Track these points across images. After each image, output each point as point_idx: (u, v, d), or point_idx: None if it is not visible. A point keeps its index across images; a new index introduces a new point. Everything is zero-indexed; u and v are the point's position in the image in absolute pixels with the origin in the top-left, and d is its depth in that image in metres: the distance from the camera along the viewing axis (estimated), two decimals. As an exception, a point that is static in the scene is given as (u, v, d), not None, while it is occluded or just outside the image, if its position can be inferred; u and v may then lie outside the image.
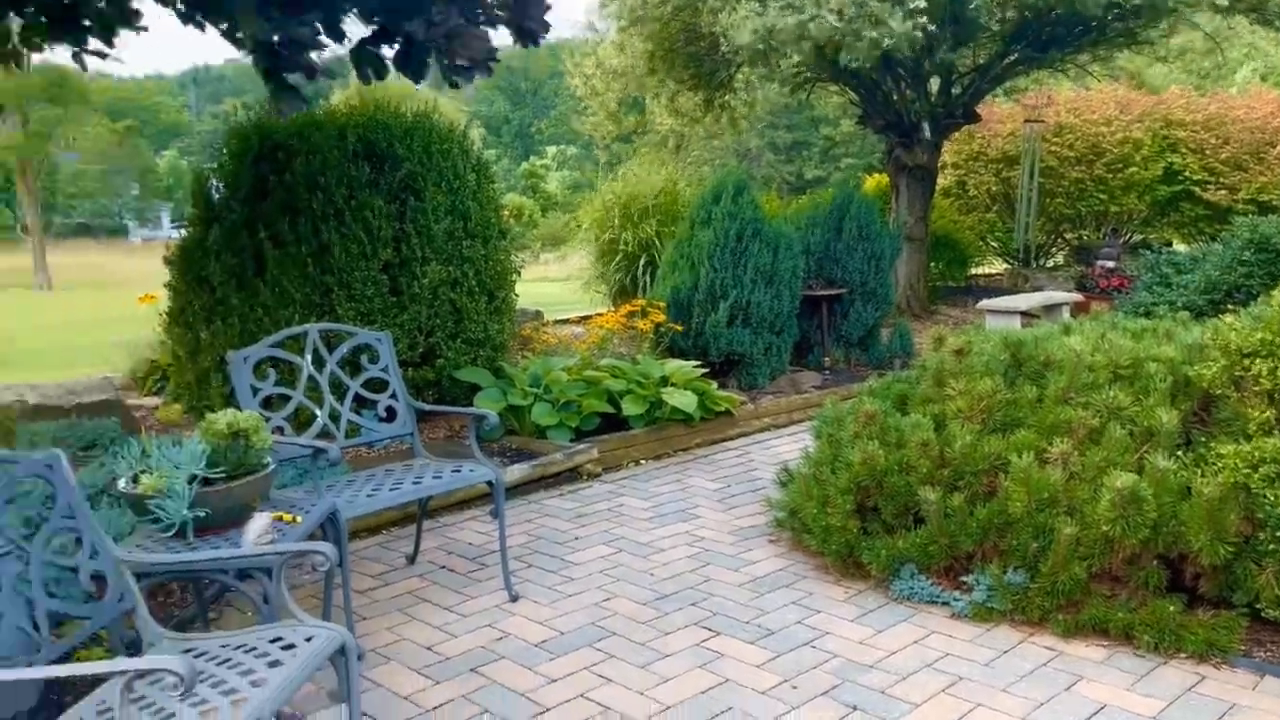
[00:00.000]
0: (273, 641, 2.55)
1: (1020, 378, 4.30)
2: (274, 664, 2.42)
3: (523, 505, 5.27)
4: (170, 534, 3.03)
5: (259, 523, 3.06)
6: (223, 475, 3.12)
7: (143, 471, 3.12)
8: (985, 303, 9.91)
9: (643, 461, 6.10)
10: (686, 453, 6.31)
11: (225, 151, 6.14)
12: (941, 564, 3.96)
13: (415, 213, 5.97)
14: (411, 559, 4.48)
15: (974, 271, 14.76)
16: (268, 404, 3.93)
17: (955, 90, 11.77)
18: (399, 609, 3.99)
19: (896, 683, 3.30)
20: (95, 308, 16.86)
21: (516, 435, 6.16)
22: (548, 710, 3.17)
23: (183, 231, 6.29)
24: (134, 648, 2.69)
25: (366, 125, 6.10)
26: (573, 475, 5.73)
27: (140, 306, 8.52)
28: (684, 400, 6.23)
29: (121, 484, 3.12)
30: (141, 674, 1.97)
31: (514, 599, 4.04)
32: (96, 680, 2.43)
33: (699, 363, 6.85)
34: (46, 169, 44.06)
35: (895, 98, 11.67)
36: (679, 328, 7.32)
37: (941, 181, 13.51)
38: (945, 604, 3.85)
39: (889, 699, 3.20)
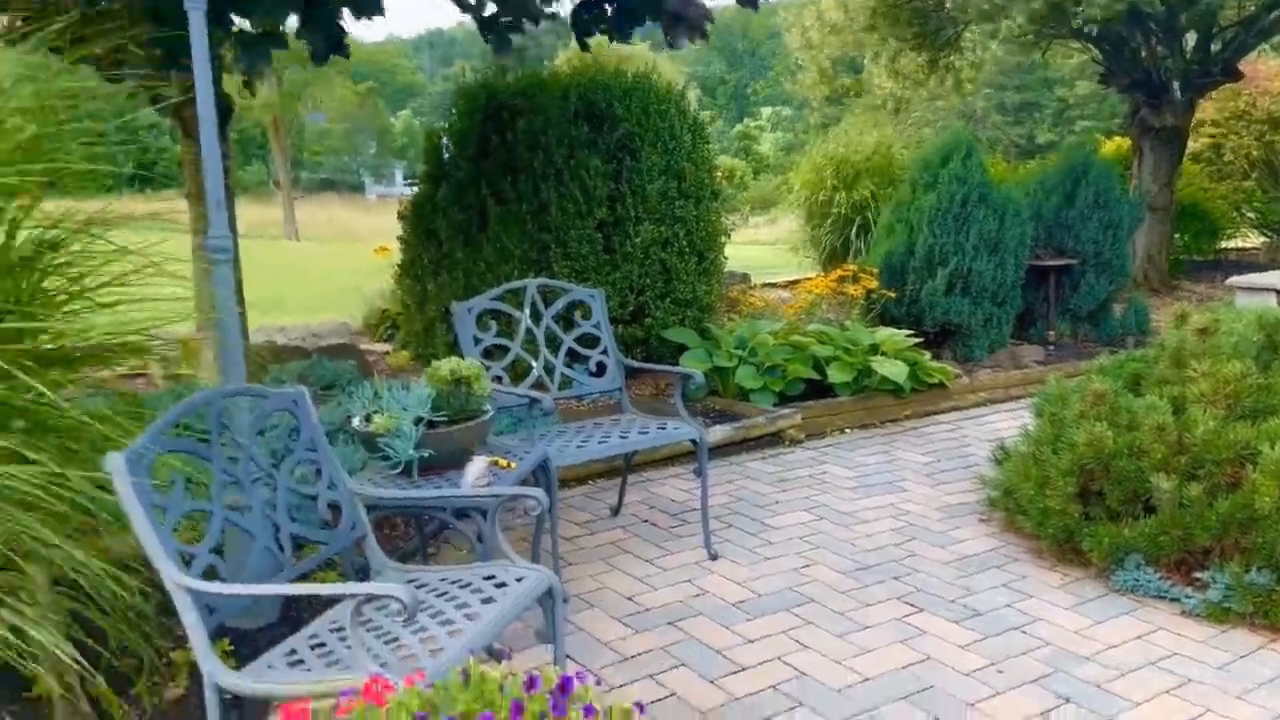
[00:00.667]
0: (486, 579, 2.68)
1: (1276, 361, 3.91)
2: (487, 600, 2.54)
3: (724, 466, 5.29)
4: (397, 471, 3.24)
5: (477, 466, 3.21)
6: (445, 419, 3.29)
7: (374, 412, 3.34)
8: (1236, 279, 9.05)
9: (847, 430, 5.99)
10: (894, 424, 6.14)
11: (454, 111, 6.42)
12: (1172, 557, 3.68)
13: (631, 172, 6.05)
14: (615, 511, 4.59)
15: (1224, 245, 13.54)
16: (487, 354, 4.11)
17: (1215, 46, 10.74)
18: (602, 558, 4.11)
19: (1116, 678, 3.11)
20: (336, 258, 18.16)
21: (720, 397, 6.18)
22: (744, 670, 3.19)
23: (414, 188, 6.65)
24: (363, 574, 2.90)
25: (587, 86, 6.22)
26: (774, 440, 5.70)
27: (375, 258, 9.10)
28: (894, 369, 6.06)
29: (355, 422, 3.35)
30: (370, 599, 2.11)
31: (713, 557, 4.08)
32: (330, 600, 2.63)
33: (911, 332, 6.63)
34: (296, 128, 47.66)
35: (1143, 54, 10.79)
36: (892, 294, 7.11)
37: (1191, 145, 12.40)
38: (1174, 600, 3.58)
39: (1106, 694, 3.02)
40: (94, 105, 3.58)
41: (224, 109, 5.65)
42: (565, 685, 1.99)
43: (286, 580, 2.55)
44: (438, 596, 2.61)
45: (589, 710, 1.90)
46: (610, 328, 4.42)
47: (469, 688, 1.96)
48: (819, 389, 6.20)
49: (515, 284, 4.33)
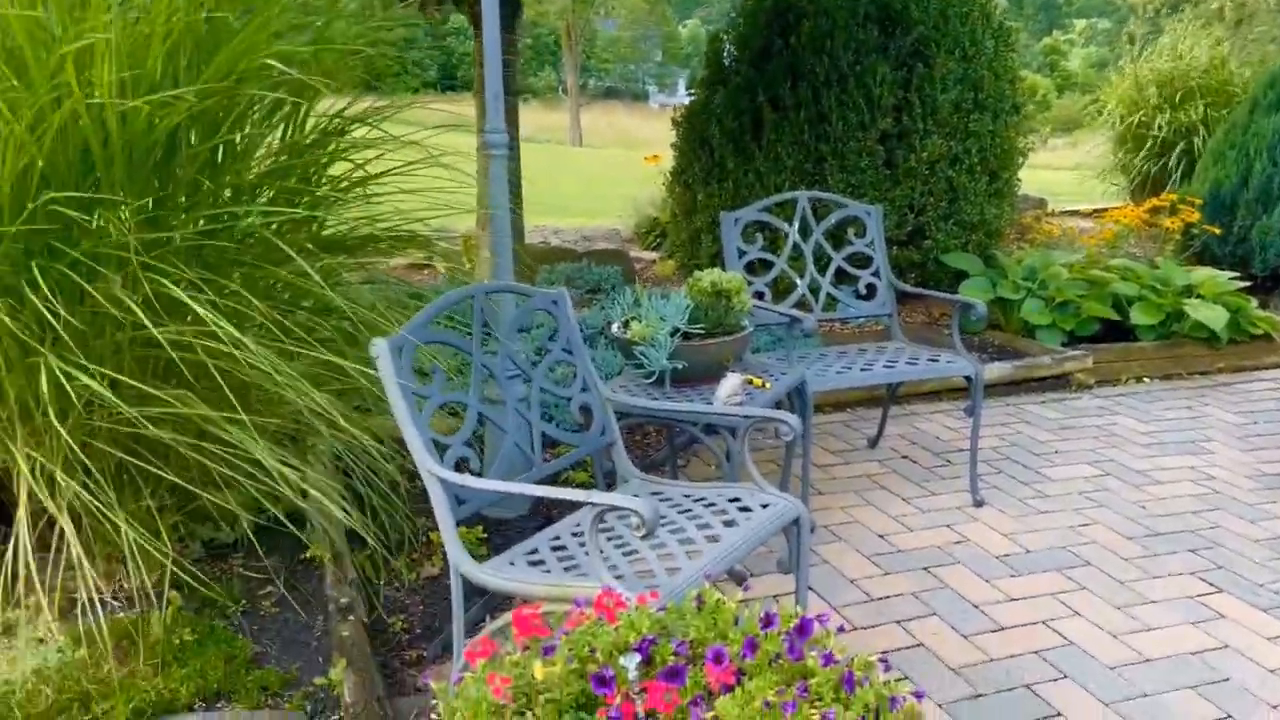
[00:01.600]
0: (731, 501, 2.57)
1: None
2: (729, 524, 2.43)
3: (998, 407, 4.89)
4: (650, 380, 3.17)
5: (730, 382, 3.09)
6: (701, 332, 3.18)
7: (633, 319, 3.28)
8: None
9: (1146, 380, 5.37)
10: (1204, 377, 5.44)
11: (739, 13, 6.19)
12: None
13: (921, 80, 5.61)
14: (873, 443, 4.36)
15: None
16: (751, 269, 3.95)
17: None
18: (855, 491, 3.91)
19: None
20: (615, 165, 18.48)
21: (1000, 331, 5.71)
22: (1002, 629, 2.92)
23: (692, 97, 6.51)
24: (610, 480, 2.87)
25: (883, -15, 5.79)
26: (1059, 383, 5.20)
27: (648, 166, 9.10)
28: (1210, 315, 5.34)
29: (614, 328, 3.31)
30: (612, 509, 2.05)
31: (978, 504, 3.77)
32: (576, 503, 2.63)
33: (1236, 275, 5.81)
34: (588, 35, 48.72)
35: None
36: (1216, 230, 6.26)
37: None
38: None
39: None
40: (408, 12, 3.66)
41: (513, 4, 5.70)
42: (804, 628, 1.84)
43: (535, 479, 2.55)
44: (680, 513, 2.53)
45: (827, 659, 1.75)
46: (885, 248, 4.13)
47: (702, 614, 1.86)
48: (1117, 331, 5.58)
49: (786, 195, 4.11)
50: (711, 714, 1.57)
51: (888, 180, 5.63)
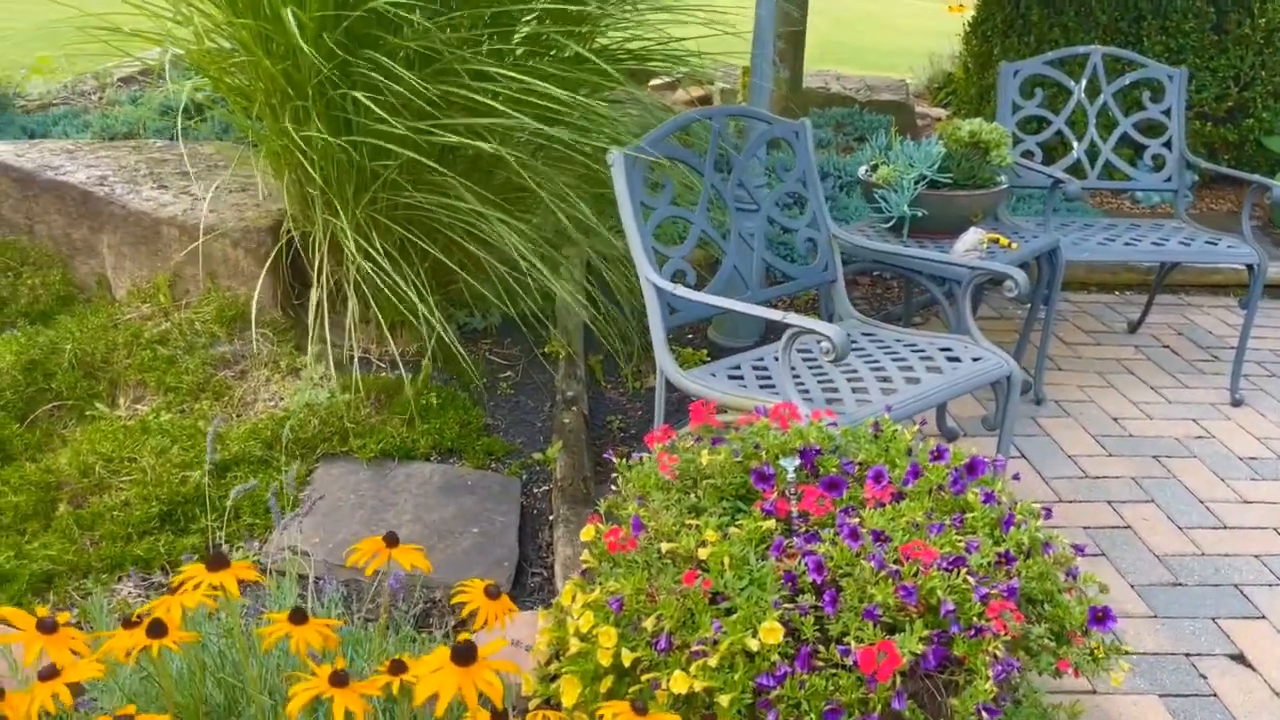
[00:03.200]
0: (941, 350, 2.56)
1: None
2: (933, 369, 2.44)
3: (1296, 309, 4.42)
4: (888, 226, 3.14)
5: (971, 237, 3.00)
6: (949, 181, 3.09)
7: (881, 163, 3.23)
8: None
9: None
10: None
11: None
12: None
13: (1277, -68, 4.90)
14: (1133, 328, 4.09)
15: None
16: (1030, 127, 3.74)
17: None
18: (1099, 371, 3.72)
19: None
20: (928, 15, 17.41)
21: (1322, 229, 5.08)
22: (1225, 528, 2.77)
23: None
24: (832, 319, 2.92)
25: None
26: (1380, 293, 4.59)
27: (953, 15, 8.55)
28: None
29: (861, 171, 3.28)
30: (806, 332, 2.12)
31: (1236, 403, 3.50)
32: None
33: None
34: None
35: None
36: None
37: None
38: None
39: None
40: None
41: None
42: (974, 466, 1.87)
43: (754, 302, 2.65)
44: (884, 352, 2.55)
45: (988, 497, 1.78)
46: (1184, 116, 3.75)
47: (878, 441, 1.92)
48: None
49: (1079, 49, 3.80)
50: (857, 519, 1.66)
51: (1214, 46, 5.04)
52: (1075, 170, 3.79)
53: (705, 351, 3.49)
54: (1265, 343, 4.03)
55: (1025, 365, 3.51)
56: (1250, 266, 3.40)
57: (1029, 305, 3.47)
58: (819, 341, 2.10)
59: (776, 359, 2.52)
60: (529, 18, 3.02)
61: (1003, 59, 5.74)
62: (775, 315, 2.18)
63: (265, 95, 2.92)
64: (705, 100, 7.46)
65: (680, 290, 2.36)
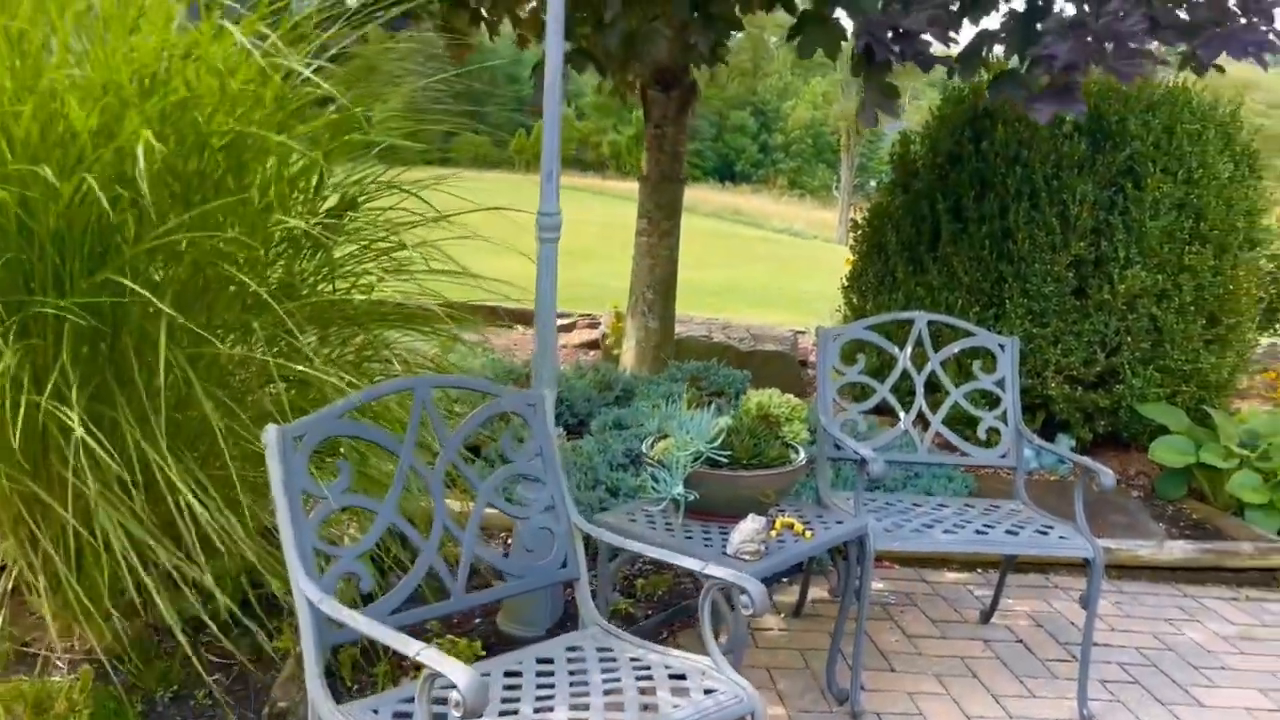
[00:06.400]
0: (674, 677, 2.11)
1: None
2: (647, 708, 1.98)
3: (1170, 597, 4.01)
4: (659, 508, 2.76)
5: (749, 526, 2.61)
6: (727, 460, 2.74)
7: (664, 436, 2.89)
8: None
9: (1389, 592, 4.26)
10: None
11: (934, 113, 5.70)
12: None
13: (1129, 203, 4.86)
14: (985, 616, 3.65)
15: None
16: (863, 393, 3.46)
17: None
18: (938, 674, 3.26)
19: None
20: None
21: (1204, 504, 4.76)
22: None
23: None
24: (568, 623, 2.48)
25: (1100, 94, 5.12)
26: (1264, 579, 4.21)
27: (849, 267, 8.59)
28: None
29: (645, 443, 2.93)
30: (436, 676, 1.68)
31: (1086, 718, 3.02)
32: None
33: None
34: (869, 137, 48.40)
35: None
36: None
37: None
38: None
39: None
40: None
41: (684, 96, 5.53)
42: None
43: (449, 611, 2.21)
44: (606, 675, 2.10)
45: None
46: (1018, 387, 3.48)
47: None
48: (1360, 525, 4.50)
49: (902, 315, 3.58)
50: None
51: (1075, 311, 4.89)
52: (903, 445, 3.47)
53: (480, 643, 3.01)
54: (1131, 638, 3.61)
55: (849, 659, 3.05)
56: (1087, 561, 3.02)
57: (840, 599, 3.04)
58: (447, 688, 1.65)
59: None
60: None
61: (875, 314, 5.62)
62: (410, 649, 1.74)
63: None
64: (592, 344, 7.28)
65: (327, 606, 1.92)
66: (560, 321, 7.97)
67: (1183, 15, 3.91)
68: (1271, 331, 7.64)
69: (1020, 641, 3.52)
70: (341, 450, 2.63)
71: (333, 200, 2.94)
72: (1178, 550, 4.19)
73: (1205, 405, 5.06)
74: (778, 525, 2.81)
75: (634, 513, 2.83)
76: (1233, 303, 5.01)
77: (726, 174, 54.21)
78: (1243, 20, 3.80)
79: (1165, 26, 3.85)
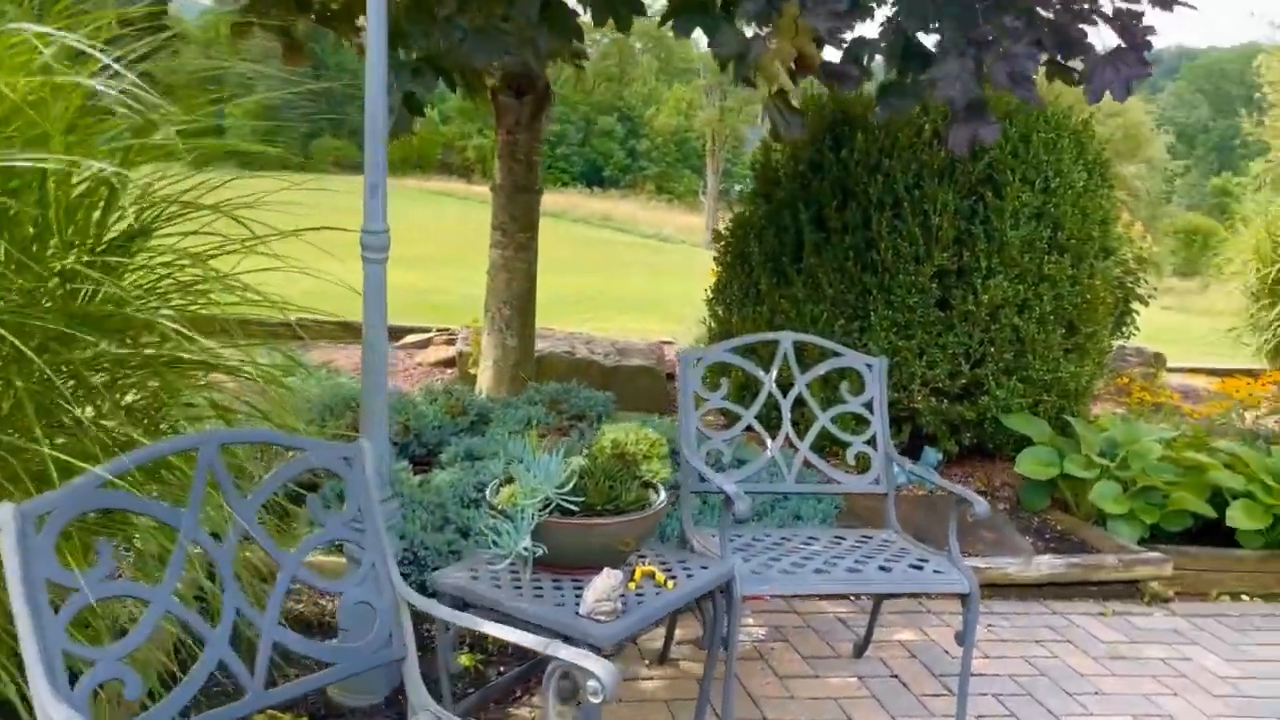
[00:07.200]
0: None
1: None
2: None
3: (1041, 615, 3.94)
4: (502, 565, 2.46)
5: (603, 584, 2.33)
6: (576, 506, 2.46)
7: (511, 480, 2.59)
8: None
9: (1245, 598, 4.31)
10: (1322, 602, 4.34)
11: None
12: None
13: (990, 212, 4.82)
14: (860, 650, 3.48)
15: None
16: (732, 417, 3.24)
17: None
18: (811, 718, 3.06)
19: None
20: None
21: (1069, 514, 4.74)
22: None
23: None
24: (395, 711, 2.16)
25: (957, 103, 5.05)
26: (1128, 591, 4.20)
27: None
28: (1330, 529, 4.26)
29: (489, 489, 2.63)
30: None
31: (964, 761, 2.87)
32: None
33: (1375, 475, 4.68)
34: (733, 143, 49.03)
35: None
36: (1355, 417, 5.15)
37: None
38: None
39: None
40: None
41: (538, 101, 5.23)
42: None
43: (247, 711, 1.86)
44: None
45: None
46: (886, 409, 3.32)
47: None
48: (1215, 532, 4.53)
49: (766, 335, 3.39)
50: None
51: (940, 323, 4.82)
52: (771, 474, 3.27)
53: (307, 718, 2.65)
54: (1005, 664, 3.49)
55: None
56: (962, 597, 2.86)
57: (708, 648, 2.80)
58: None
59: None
60: None
61: (740, 330, 5.44)
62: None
63: None
64: (449, 362, 6.90)
65: (74, 725, 1.55)
66: (416, 338, 7.58)
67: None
68: (1120, 335, 7.86)
69: (895, 676, 3.36)
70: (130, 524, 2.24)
71: (122, 226, 2.53)
72: (1045, 566, 4.13)
73: (1066, 414, 5.06)
74: (637, 575, 2.55)
75: (478, 568, 2.52)
76: (1090, 311, 5.03)
77: (595, 179, 54.06)
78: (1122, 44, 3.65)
79: (1048, 46, 3.71)
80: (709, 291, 5.96)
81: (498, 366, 5.35)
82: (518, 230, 5.25)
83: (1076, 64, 3.71)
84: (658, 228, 33.85)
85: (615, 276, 16.51)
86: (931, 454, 4.90)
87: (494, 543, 2.41)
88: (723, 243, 5.72)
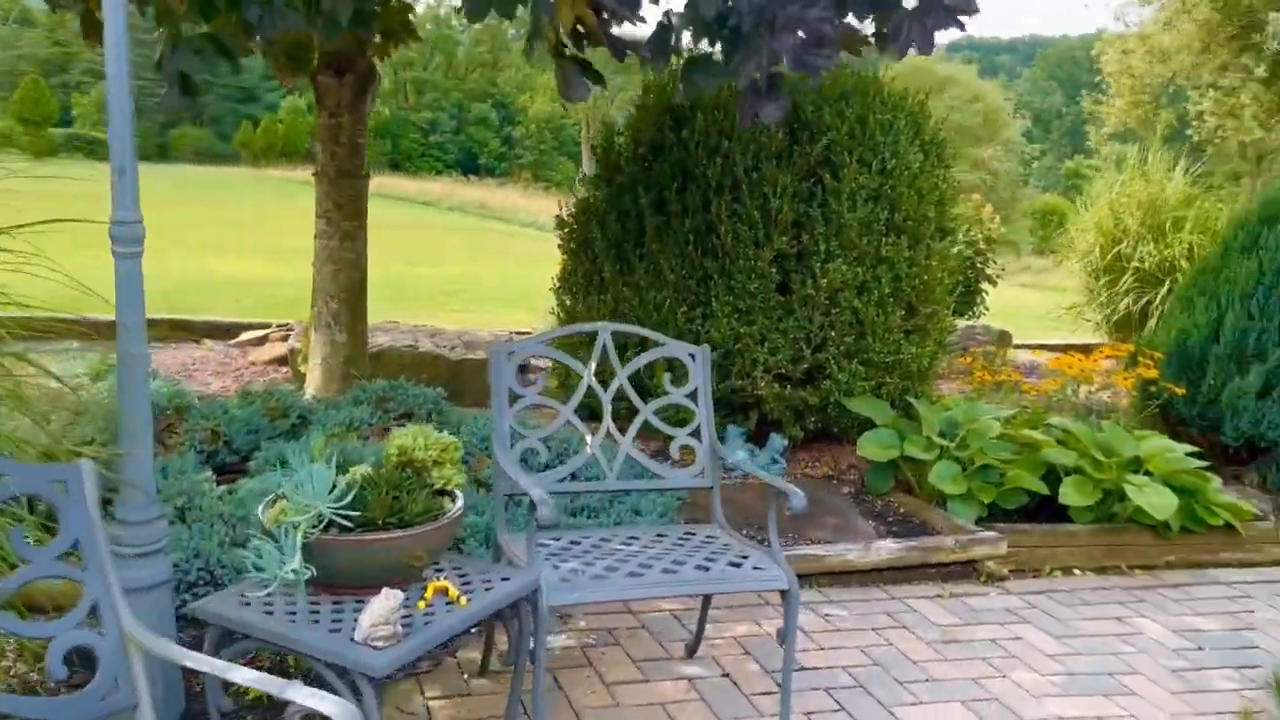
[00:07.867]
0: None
1: None
2: None
3: (879, 602, 3.90)
4: (269, 590, 2.23)
5: (380, 606, 2.13)
6: (359, 522, 2.24)
7: (281, 497, 2.35)
8: None
9: (1077, 572, 4.37)
10: (1148, 573, 4.43)
11: (638, 103, 5.41)
12: None
13: (828, 195, 4.76)
14: (691, 650, 3.36)
15: None
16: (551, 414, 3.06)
17: None
18: (635, 727, 2.92)
19: None
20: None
21: (910, 496, 4.74)
22: None
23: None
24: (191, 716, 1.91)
25: (794, 85, 4.97)
26: (965, 571, 4.21)
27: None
28: (1155, 501, 4.35)
29: (262, 505, 2.38)
30: None
31: (790, 764, 2.77)
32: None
33: (1195, 450, 4.82)
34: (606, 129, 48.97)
35: None
36: (1179, 390, 5.30)
37: None
38: None
39: None
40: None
41: (361, 82, 4.94)
42: None
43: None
44: None
45: None
46: (710, 400, 3.20)
47: None
48: (1049, 507, 4.58)
49: (584, 327, 3.23)
50: None
51: (780, 307, 4.74)
52: (590, 475, 3.11)
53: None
54: (840, 656, 3.43)
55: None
56: (783, 593, 2.76)
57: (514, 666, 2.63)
58: None
59: None
60: None
61: (586, 316, 5.27)
62: None
63: None
64: (284, 360, 6.54)
65: None
66: (252, 334, 7.17)
67: None
68: (970, 314, 8.01)
69: (727, 675, 3.25)
70: None
71: None
72: (884, 551, 4.09)
73: (909, 395, 5.06)
74: (429, 592, 2.35)
75: (248, 592, 2.28)
76: (928, 292, 5.03)
77: (471, 167, 53.13)
78: None
79: (852, 6, 3.63)
80: (555, 280, 5.77)
81: (326, 364, 5.05)
82: (343, 219, 4.95)
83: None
84: (535, 216, 33.51)
85: (485, 266, 16.16)
86: (778, 440, 4.83)
87: (254, 566, 2.17)
88: (566, 229, 5.53)
